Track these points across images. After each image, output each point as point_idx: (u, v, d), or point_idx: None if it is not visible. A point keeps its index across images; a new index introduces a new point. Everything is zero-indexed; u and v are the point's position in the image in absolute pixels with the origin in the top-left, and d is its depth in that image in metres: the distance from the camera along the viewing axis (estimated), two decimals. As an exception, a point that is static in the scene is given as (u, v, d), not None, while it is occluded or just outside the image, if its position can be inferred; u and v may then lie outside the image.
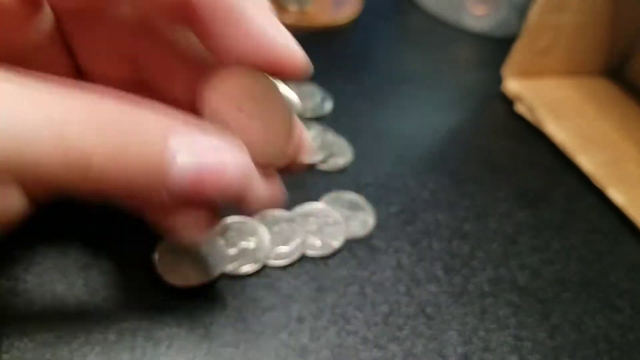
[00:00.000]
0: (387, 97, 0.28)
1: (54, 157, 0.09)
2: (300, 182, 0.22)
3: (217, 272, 0.17)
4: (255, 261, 0.18)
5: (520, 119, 0.30)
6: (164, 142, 0.10)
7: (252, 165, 0.12)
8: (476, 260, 0.21)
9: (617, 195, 0.25)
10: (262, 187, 0.12)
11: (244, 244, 0.18)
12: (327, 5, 0.33)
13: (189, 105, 0.13)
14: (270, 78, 0.12)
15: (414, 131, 0.27)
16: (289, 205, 0.21)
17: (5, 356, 0.14)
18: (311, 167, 0.23)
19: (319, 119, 0.25)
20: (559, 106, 0.30)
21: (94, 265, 0.17)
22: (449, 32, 0.37)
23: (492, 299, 0.20)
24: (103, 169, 0.10)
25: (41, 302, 0.16)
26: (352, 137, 0.25)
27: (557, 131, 0.28)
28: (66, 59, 0.14)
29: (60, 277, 0.16)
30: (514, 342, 0.18)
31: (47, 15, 0.12)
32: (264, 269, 0.18)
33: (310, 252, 0.19)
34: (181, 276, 0.17)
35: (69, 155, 0.09)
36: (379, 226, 0.21)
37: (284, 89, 0.14)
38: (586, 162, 0.27)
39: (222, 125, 0.12)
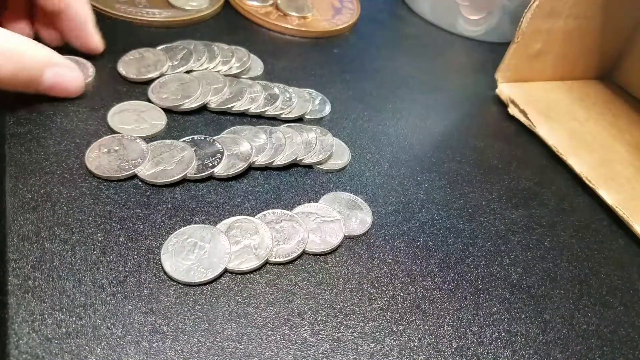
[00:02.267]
0: (384, 100, 0.29)
1: None
2: (300, 183, 0.23)
3: (221, 268, 0.18)
4: (257, 258, 0.18)
5: (513, 121, 0.30)
6: (41, 71, 0.21)
7: (81, 76, 0.23)
8: (470, 257, 0.21)
9: (607, 195, 0.26)
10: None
11: (247, 241, 0.19)
12: (327, 12, 0.34)
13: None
14: None
15: (410, 133, 0.27)
16: (290, 204, 0.21)
17: (14, 352, 0.15)
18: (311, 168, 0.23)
19: (318, 122, 0.26)
20: (551, 109, 0.31)
21: (101, 262, 0.17)
22: (444, 37, 0.37)
23: (486, 295, 0.20)
24: (3, 79, 0.19)
25: (50, 299, 0.16)
26: (350, 139, 0.26)
27: (549, 133, 0.29)
28: None
29: (68, 274, 0.17)
30: (507, 337, 0.19)
31: None
32: (266, 265, 0.19)
33: (310, 250, 0.20)
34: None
35: None
36: (376, 225, 0.22)
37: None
38: (577, 163, 0.27)
39: None
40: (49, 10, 0.23)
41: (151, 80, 0.24)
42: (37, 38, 0.23)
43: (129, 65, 0.25)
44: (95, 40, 0.24)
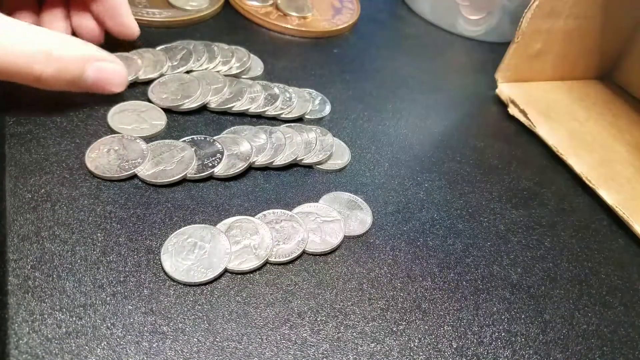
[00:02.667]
0: (384, 100, 0.29)
1: (27, 72, 0.19)
2: (300, 183, 0.23)
3: (221, 268, 0.18)
4: (257, 258, 0.18)
5: (513, 121, 0.30)
6: (83, 69, 0.20)
7: (124, 70, 0.22)
8: (470, 257, 0.21)
9: (607, 195, 0.26)
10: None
11: (247, 241, 0.19)
12: (327, 12, 0.34)
13: None
14: None
15: (410, 133, 0.27)
16: (290, 204, 0.21)
17: (14, 352, 0.15)
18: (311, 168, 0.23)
19: (318, 122, 0.26)
20: (551, 109, 0.31)
21: (101, 262, 0.17)
22: (444, 37, 0.37)
23: (486, 295, 0.20)
24: (48, 79, 0.19)
25: (50, 299, 0.16)
26: (350, 139, 0.26)
27: (549, 133, 0.29)
28: None
29: (68, 274, 0.17)
30: (507, 337, 0.19)
31: None
32: (266, 265, 0.19)
33: (310, 250, 0.20)
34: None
35: (30, 73, 0.19)
36: (376, 225, 0.22)
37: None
38: (577, 163, 0.27)
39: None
40: None
41: (151, 80, 0.24)
42: (74, 27, 0.23)
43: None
44: (131, 23, 0.23)
